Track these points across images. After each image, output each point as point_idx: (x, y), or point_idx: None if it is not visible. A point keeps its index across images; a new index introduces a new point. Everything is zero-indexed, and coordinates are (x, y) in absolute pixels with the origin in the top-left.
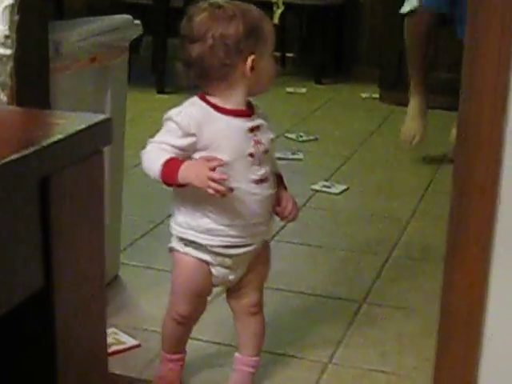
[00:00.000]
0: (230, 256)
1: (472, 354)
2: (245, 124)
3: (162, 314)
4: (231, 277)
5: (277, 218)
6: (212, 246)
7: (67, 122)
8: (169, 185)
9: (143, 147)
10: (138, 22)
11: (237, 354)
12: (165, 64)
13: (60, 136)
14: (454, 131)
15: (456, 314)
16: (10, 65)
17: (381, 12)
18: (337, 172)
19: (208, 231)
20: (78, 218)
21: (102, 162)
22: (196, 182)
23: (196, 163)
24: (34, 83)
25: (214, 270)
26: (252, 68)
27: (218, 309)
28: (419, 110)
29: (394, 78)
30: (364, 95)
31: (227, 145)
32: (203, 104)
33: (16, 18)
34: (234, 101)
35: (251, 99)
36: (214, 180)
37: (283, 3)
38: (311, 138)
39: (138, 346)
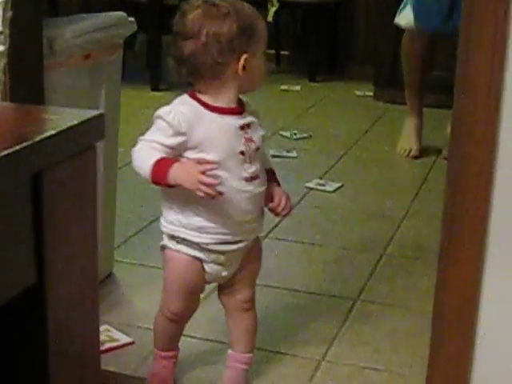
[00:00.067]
0: (223, 252)
1: (465, 351)
2: (236, 122)
3: (155, 311)
4: (224, 273)
5: (270, 215)
6: (204, 244)
7: (60, 118)
8: (158, 185)
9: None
10: (132, 19)
11: (230, 351)
12: (159, 61)
13: (52, 132)
14: (448, 129)
15: (449, 311)
16: (3, 61)
17: (375, 10)
18: (331, 170)
19: (199, 229)
20: (71, 214)
21: (94, 157)
22: (186, 183)
23: (187, 165)
24: (27, 80)
25: (207, 267)
26: (244, 66)
27: (210, 306)
28: (416, 130)
29: (388, 75)
30: (358, 93)
31: (218, 143)
32: (193, 102)
33: (9, 14)
34: (226, 99)
35: (242, 96)
36: (204, 183)
37: (277, 1)
38: (305, 135)
39: (131, 343)
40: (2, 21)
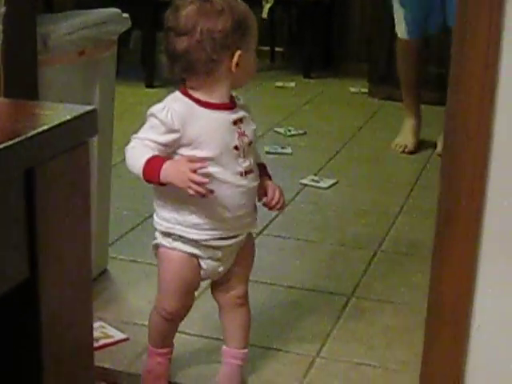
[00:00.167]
0: (219, 248)
1: (459, 345)
2: (229, 117)
3: (150, 307)
4: (220, 269)
5: (264, 212)
6: (202, 240)
7: (52, 113)
8: (150, 183)
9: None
10: (126, 15)
11: (224, 347)
12: (154, 58)
13: (45, 127)
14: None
15: (444, 307)
16: None
17: (370, 6)
18: (325, 166)
19: (195, 226)
20: (64, 209)
21: (87, 153)
22: (177, 181)
23: (178, 163)
24: (21, 76)
25: (204, 263)
26: (237, 63)
27: (205, 303)
28: (413, 131)
29: (383, 72)
30: (353, 90)
31: (212, 139)
32: (186, 99)
33: (3, 10)
34: (218, 95)
35: (231, 91)
36: (194, 182)
37: None
38: (300, 132)
39: (126, 339)
40: None
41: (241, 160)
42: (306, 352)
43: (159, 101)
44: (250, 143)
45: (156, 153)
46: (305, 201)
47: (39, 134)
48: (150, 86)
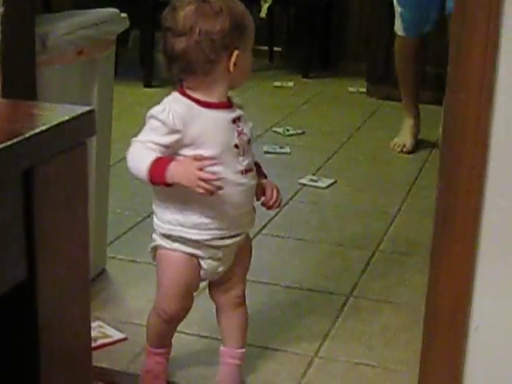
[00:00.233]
0: (220, 248)
1: (458, 345)
2: (228, 115)
3: (148, 307)
4: (220, 269)
5: (263, 212)
6: (203, 240)
7: (51, 114)
8: (156, 184)
9: (130, 141)
10: (125, 15)
11: (222, 348)
12: (152, 58)
13: (43, 127)
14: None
15: (442, 307)
16: None
17: (368, 6)
18: (324, 166)
19: (197, 226)
20: (62, 210)
21: (86, 153)
22: (184, 181)
23: (184, 162)
24: (20, 76)
25: (204, 263)
26: (235, 63)
27: (203, 303)
28: (412, 131)
29: (381, 72)
30: (351, 89)
31: (213, 138)
32: (185, 99)
33: (1, 10)
34: (217, 95)
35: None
36: (202, 179)
37: None
38: (298, 131)
39: (124, 339)
40: None
41: (241, 158)
42: (305, 352)
43: (158, 101)
44: (249, 141)
45: (159, 154)
46: (303, 200)
47: (37, 134)
48: (148, 85)
